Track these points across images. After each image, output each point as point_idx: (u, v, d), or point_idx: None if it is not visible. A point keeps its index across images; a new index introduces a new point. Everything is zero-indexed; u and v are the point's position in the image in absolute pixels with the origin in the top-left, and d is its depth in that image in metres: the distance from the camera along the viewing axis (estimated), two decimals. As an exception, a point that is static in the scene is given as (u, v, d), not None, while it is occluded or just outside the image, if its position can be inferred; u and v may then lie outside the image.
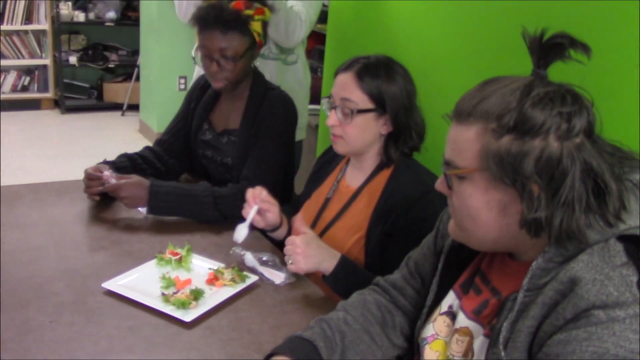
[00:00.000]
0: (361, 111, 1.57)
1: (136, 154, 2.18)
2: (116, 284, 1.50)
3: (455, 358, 1.08)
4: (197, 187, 1.93)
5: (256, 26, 1.99)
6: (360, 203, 1.67)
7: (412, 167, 1.64)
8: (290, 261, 1.49)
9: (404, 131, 1.61)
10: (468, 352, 1.06)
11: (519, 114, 0.91)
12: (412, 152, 1.65)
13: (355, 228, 1.65)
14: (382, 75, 1.57)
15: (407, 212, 1.56)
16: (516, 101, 0.92)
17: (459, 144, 0.97)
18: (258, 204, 1.66)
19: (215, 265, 1.63)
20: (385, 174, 1.65)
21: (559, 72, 0.98)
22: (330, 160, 1.85)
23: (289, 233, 1.77)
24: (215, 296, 1.49)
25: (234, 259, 1.69)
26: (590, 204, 0.92)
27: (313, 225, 1.75)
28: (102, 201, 1.97)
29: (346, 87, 1.58)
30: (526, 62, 0.99)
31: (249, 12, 1.97)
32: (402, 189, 1.59)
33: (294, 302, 1.52)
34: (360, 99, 1.57)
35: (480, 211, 0.97)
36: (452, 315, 1.12)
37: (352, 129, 1.59)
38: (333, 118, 1.60)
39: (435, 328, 1.14)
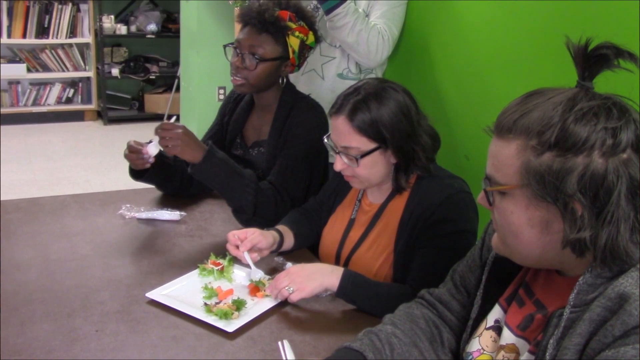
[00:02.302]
0: (365, 154, 1.53)
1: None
2: (160, 294, 1.51)
3: None
4: (245, 171, 1.93)
5: (293, 41, 1.99)
6: (384, 220, 1.65)
7: (434, 174, 1.60)
8: (291, 289, 1.46)
9: (410, 158, 1.56)
10: None
11: (560, 130, 0.88)
12: (424, 171, 1.59)
13: (382, 247, 1.63)
14: (373, 108, 1.50)
15: (430, 216, 1.54)
16: (558, 116, 0.89)
17: (499, 159, 0.95)
18: (242, 250, 1.62)
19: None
20: (406, 191, 1.63)
21: (605, 81, 0.96)
22: None
23: (297, 238, 1.78)
24: (257, 307, 1.49)
25: (276, 269, 1.69)
26: (637, 222, 0.89)
27: (340, 247, 1.73)
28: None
29: (343, 135, 1.53)
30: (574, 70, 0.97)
31: (290, 24, 1.97)
32: (426, 199, 1.56)
33: (336, 312, 1.51)
34: (360, 143, 1.52)
35: (522, 228, 0.95)
36: (498, 329, 1.10)
37: (361, 170, 1.56)
38: (340, 163, 1.57)
39: (482, 343, 1.12)
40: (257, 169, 2.11)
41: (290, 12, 1.98)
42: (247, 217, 1.90)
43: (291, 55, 2.01)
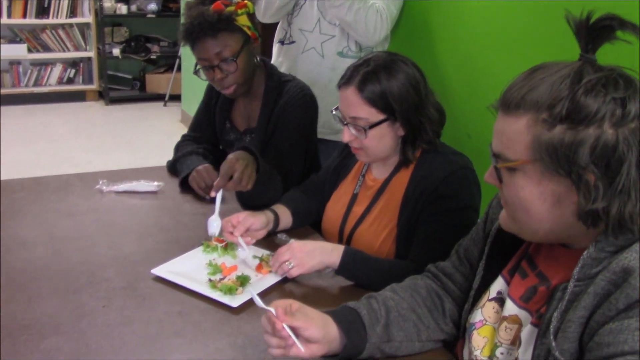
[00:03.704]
0: (373, 125, 1.55)
1: (201, 148, 2.19)
2: (165, 270, 1.52)
3: (503, 345, 1.08)
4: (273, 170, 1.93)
5: (243, 20, 1.95)
6: (388, 195, 1.66)
7: (438, 150, 1.62)
8: (291, 265, 1.47)
9: (417, 131, 1.57)
10: (516, 340, 1.05)
11: (571, 102, 0.89)
12: (430, 145, 1.61)
13: (385, 222, 1.64)
14: (383, 80, 1.52)
15: (434, 192, 1.55)
16: (567, 89, 0.89)
17: (508, 135, 0.95)
18: (236, 234, 1.61)
19: (259, 252, 1.65)
20: (411, 164, 1.64)
21: (605, 53, 0.96)
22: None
23: (295, 216, 1.78)
24: (260, 282, 1.50)
25: (278, 246, 1.66)
26: None
27: (343, 222, 1.74)
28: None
29: (351, 106, 1.54)
30: (575, 45, 0.97)
31: (230, 9, 1.93)
32: (430, 174, 1.57)
33: (338, 288, 1.52)
34: (369, 114, 1.53)
35: (533, 203, 0.96)
36: (500, 301, 1.12)
37: (369, 141, 1.57)
38: (347, 135, 1.58)
39: (484, 314, 1.13)
40: None
41: (220, 0, 1.94)
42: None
43: (250, 33, 1.97)
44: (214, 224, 1.70)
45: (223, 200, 1.77)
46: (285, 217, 1.78)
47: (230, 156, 1.78)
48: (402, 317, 1.23)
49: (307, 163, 2.10)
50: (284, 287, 1.51)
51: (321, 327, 1.14)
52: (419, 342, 1.24)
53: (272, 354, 1.14)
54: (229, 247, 1.65)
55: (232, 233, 1.63)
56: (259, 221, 1.66)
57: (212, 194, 1.77)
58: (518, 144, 0.94)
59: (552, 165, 0.91)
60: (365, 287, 1.50)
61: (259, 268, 1.58)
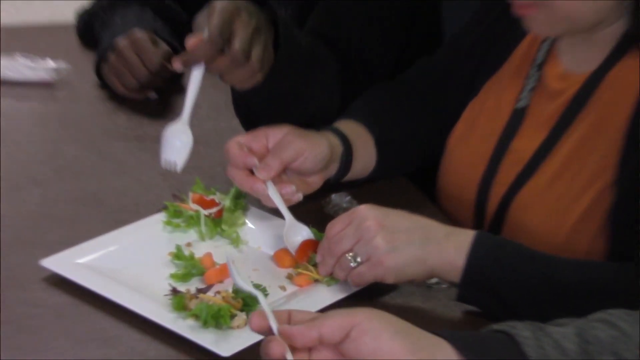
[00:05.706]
0: None
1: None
2: (74, 263, 1.23)
3: None
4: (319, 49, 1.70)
5: None
6: (598, 110, 1.35)
7: None
8: (358, 259, 1.20)
9: None
10: None
11: None
12: None
13: (590, 173, 1.34)
14: None
15: None
16: None
17: None
18: (263, 176, 1.32)
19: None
20: None
21: None
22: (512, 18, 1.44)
23: (383, 148, 1.51)
24: (292, 303, 1.19)
25: (331, 218, 1.34)
26: None
27: (489, 174, 1.44)
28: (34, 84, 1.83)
29: None
30: None
31: None
32: None
33: (461, 317, 1.21)
34: None
35: None
36: None
37: None
38: None
39: None
40: (282, 7, 1.82)
41: None
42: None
43: None
44: (178, 142, 1.39)
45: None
46: (364, 149, 1.48)
47: (222, 3, 1.43)
48: None
49: (410, 36, 1.84)
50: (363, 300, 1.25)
51: None
52: None
53: None
54: (225, 218, 1.33)
55: (251, 172, 1.34)
56: (312, 150, 1.35)
57: (177, 66, 1.45)
58: None
59: None
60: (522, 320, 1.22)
61: (282, 262, 1.29)
